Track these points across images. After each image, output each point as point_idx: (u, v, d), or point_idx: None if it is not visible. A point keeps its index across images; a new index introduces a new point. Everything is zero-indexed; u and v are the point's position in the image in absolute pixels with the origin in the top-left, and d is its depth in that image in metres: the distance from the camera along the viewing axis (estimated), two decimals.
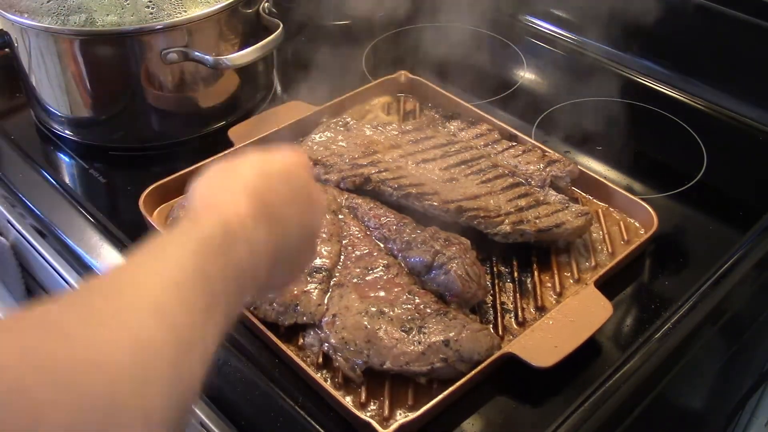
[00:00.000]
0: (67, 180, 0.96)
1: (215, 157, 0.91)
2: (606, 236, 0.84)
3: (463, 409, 0.68)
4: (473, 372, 0.67)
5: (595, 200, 0.89)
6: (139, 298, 0.41)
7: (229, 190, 0.52)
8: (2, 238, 0.99)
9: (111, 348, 0.36)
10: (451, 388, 0.66)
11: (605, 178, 0.90)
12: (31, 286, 1.04)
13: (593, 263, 0.81)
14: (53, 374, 0.33)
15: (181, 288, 0.42)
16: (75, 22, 0.89)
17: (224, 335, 0.46)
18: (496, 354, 0.68)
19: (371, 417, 0.65)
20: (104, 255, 0.83)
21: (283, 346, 0.70)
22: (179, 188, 0.86)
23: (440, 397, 0.65)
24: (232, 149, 0.92)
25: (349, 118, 0.97)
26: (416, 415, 0.64)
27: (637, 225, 0.85)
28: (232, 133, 0.95)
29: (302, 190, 0.56)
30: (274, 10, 1.01)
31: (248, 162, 0.55)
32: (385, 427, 0.63)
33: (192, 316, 0.42)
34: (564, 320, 0.71)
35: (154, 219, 0.84)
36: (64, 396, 0.33)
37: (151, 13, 0.90)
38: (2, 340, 0.34)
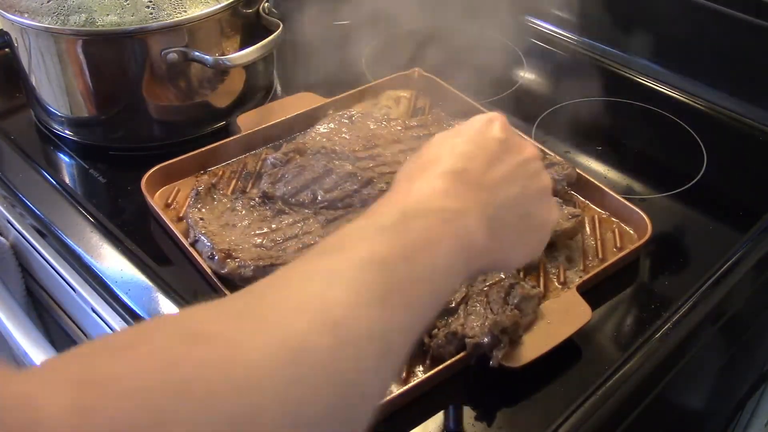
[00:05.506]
0: (67, 180, 0.96)
1: (217, 143, 0.92)
2: (599, 242, 0.83)
3: (437, 403, 0.67)
4: (440, 367, 0.67)
5: (592, 205, 0.88)
6: (289, 295, 0.39)
7: (425, 169, 0.51)
8: (2, 238, 0.99)
9: (253, 346, 0.35)
10: (417, 380, 0.66)
11: (605, 178, 0.90)
12: (31, 286, 1.03)
13: (582, 268, 0.80)
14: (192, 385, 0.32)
15: (342, 280, 0.40)
16: (75, 22, 0.89)
17: (421, 326, 0.43)
18: (466, 351, 0.68)
19: None
20: (104, 255, 0.83)
21: None
22: (181, 171, 0.90)
23: (408, 386, 0.65)
24: (237, 135, 0.94)
25: (354, 112, 0.97)
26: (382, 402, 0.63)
27: (632, 232, 0.84)
28: (241, 120, 0.96)
29: (519, 162, 0.55)
30: (274, 10, 1.01)
31: (457, 134, 0.54)
32: None
33: (356, 310, 0.39)
34: (540, 322, 0.71)
35: (155, 201, 0.86)
36: (196, 406, 0.31)
37: (151, 13, 0.90)
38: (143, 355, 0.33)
